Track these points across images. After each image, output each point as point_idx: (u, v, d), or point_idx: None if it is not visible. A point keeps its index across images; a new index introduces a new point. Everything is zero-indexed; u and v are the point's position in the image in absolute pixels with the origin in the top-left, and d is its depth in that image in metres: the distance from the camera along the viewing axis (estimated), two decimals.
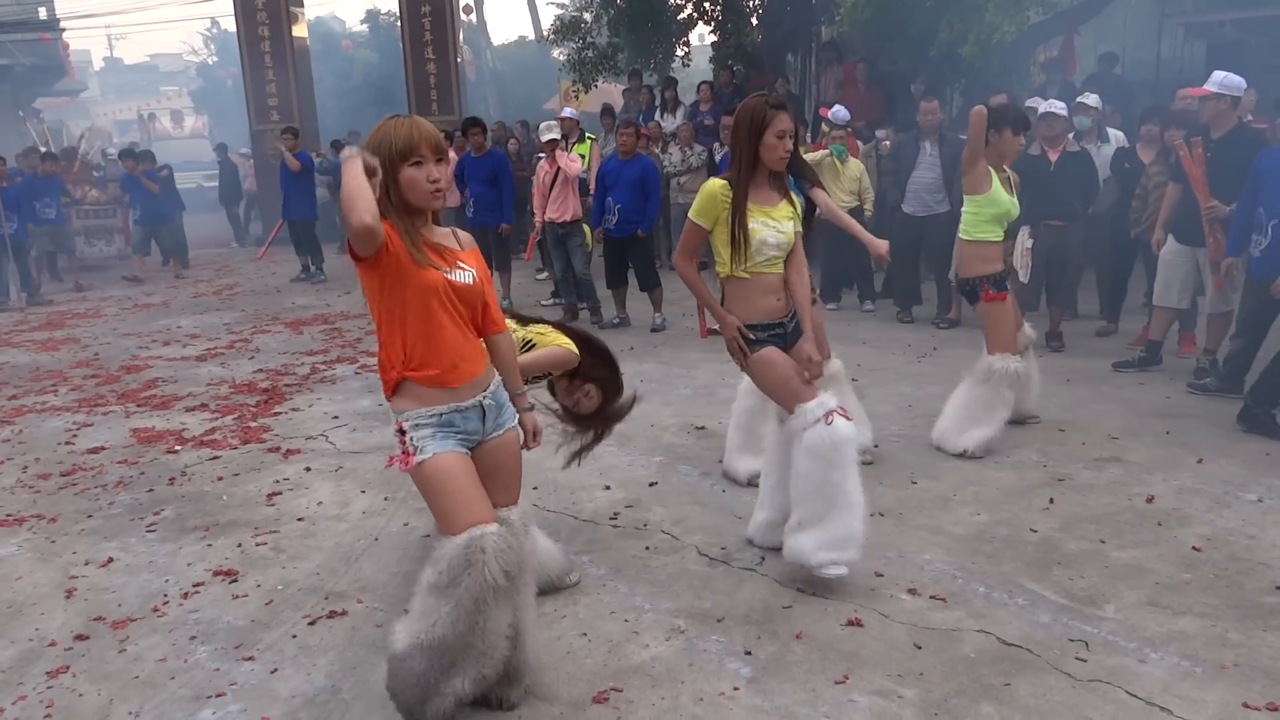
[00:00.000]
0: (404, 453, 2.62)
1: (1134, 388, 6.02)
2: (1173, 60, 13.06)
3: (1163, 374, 6.26)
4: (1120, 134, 7.94)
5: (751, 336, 3.52)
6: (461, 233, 2.78)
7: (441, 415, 2.60)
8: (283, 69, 16.95)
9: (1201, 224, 5.91)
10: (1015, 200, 5.03)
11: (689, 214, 3.58)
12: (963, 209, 5.05)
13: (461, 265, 2.62)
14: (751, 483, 4.32)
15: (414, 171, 2.49)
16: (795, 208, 3.60)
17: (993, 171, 4.91)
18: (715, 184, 3.51)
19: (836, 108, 8.52)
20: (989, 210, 4.90)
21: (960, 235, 5.06)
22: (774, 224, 3.48)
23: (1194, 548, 3.75)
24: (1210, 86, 5.78)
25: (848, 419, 3.38)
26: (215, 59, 34.12)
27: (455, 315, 2.59)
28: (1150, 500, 4.22)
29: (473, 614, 2.54)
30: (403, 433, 2.60)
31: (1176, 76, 11.70)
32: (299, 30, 17.58)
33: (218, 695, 2.96)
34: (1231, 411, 5.42)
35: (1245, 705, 2.73)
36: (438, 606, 2.56)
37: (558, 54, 17.42)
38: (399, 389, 2.61)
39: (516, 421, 2.83)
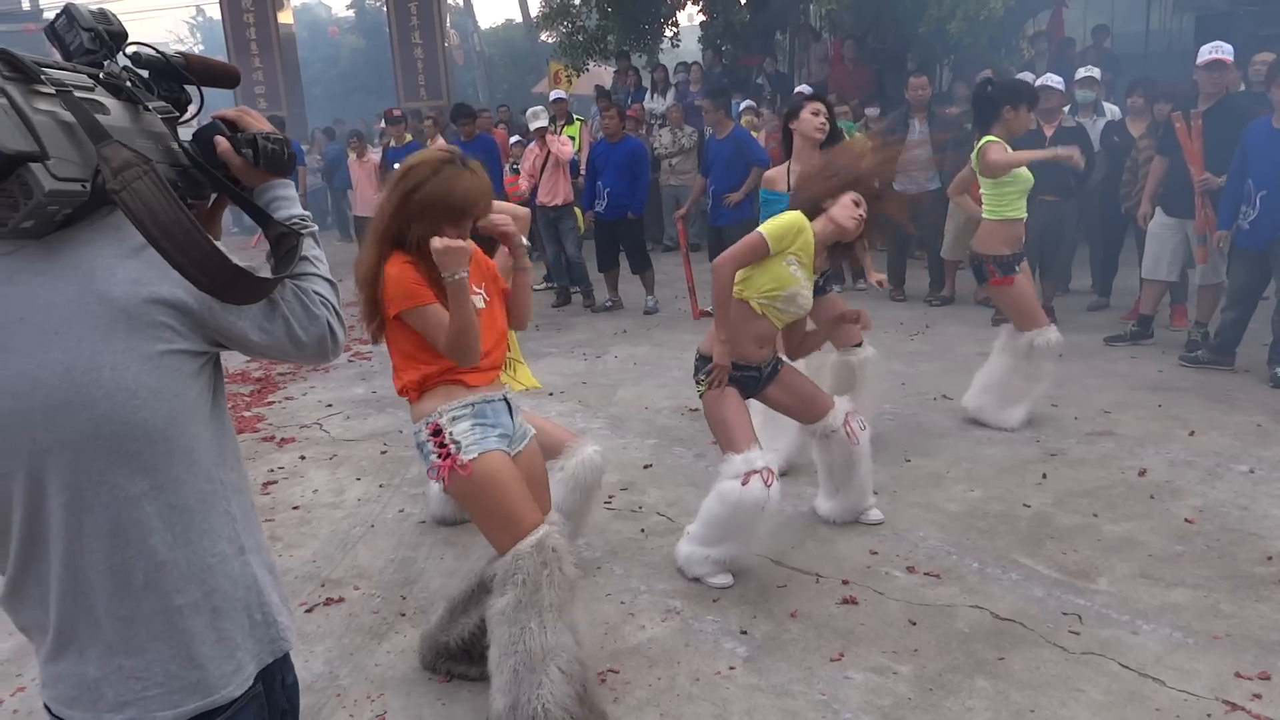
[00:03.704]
0: (443, 456, 2.46)
1: (1126, 361, 6.03)
2: (1162, 33, 13.03)
3: (1154, 347, 6.28)
4: (1116, 108, 7.92)
5: (728, 372, 3.43)
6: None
7: (474, 406, 2.52)
8: (269, 56, 16.87)
9: (1191, 197, 5.91)
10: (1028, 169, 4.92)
11: (761, 227, 3.37)
12: (982, 191, 4.96)
13: (475, 289, 2.53)
14: (783, 473, 4.32)
15: (454, 231, 2.36)
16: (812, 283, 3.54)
17: (1006, 147, 4.81)
18: (806, 223, 3.37)
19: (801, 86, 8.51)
20: (1014, 188, 4.81)
21: (985, 215, 4.95)
22: (808, 287, 3.42)
23: (1186, 520, 3.77)
24: (1222, 55, 5.72)
25: (767, 484, 3.24)
26: (202, 47, 33.91)
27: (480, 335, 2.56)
28: (1142, 473, 4.24)
29: (556, 616, 2.46)
30: (438, 433, 2.48)
31: (1165, 49, 11.69)
32: (285, 17, 17.48)
33: None
34: (1223, 383, 5.44)
35: (1237, 675, 2.75)
36: (523, 621, 2.43)
37: (546, 37, 17.30)
38: (423, 391, 2.53)
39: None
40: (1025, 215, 4.93)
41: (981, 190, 4.95)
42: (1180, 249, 6.23)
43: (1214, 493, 4.01)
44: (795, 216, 3.36)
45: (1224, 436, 4.64)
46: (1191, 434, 4.70)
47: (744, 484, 3.23)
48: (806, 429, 3.75)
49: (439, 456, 2.48)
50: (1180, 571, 3.37)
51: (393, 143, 10.04)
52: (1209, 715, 2.59)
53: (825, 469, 3.81)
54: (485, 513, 2.53)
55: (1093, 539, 3.65)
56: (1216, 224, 5.68)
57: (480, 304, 2.55)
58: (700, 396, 3.50)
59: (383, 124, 10.52)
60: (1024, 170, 4.81)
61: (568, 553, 2.54)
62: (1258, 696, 2.65)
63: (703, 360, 3.48)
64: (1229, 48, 5.74)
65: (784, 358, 3.72)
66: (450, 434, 2.47)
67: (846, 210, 3.37)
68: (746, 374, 3.50)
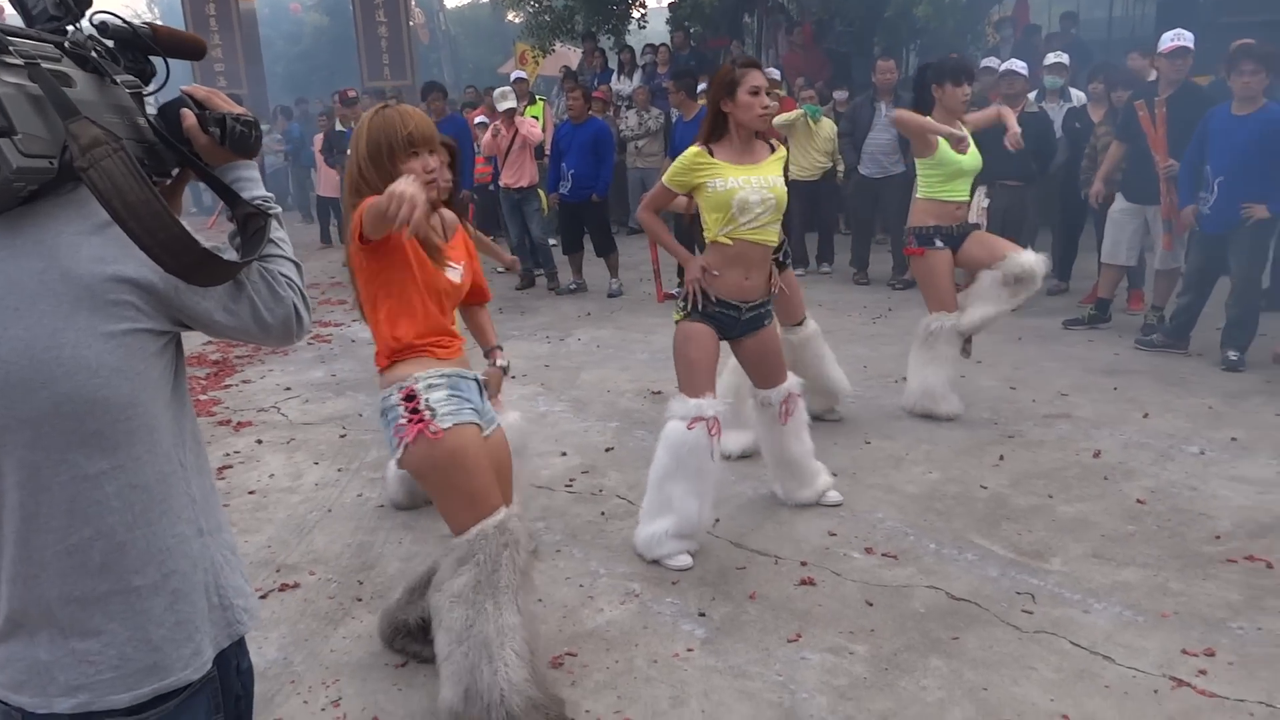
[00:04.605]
0: (414, 420, 2.39)
1: (1083, 345, 6.11)
2: (1125, 19, 13.14)
3: (1112, 331, 6.36)
4: (1082, 94, 7.97)
5: (710, 292, 3.45)
6: (446, 214, 2.70)
7: (449, 378, 2.48)
8: (229, 32, 16.57)
9: (1151, 182, 5.97)
10: (974, 153, 4.86)
11: (662, 177, 3.51)
12: (917, 171, 5.01)
13: (451, 264, 2.55)
14: (744, 456, 4.35)
15: (412, 163, 2.40)
16: (781, 156, 3.53)
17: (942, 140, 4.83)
18: (692, 150, 3.42)
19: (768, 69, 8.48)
20: (939, 171, 4.80)
21: (918, 194, 4.99)
22: (756, 180, 3.38)
23: (1138, 500, 3.82)
24: (1185, 42, 5.77)
25: (712, 434, 3.34)
26: (160, 22, 33.20)
27: (449, 309, 2.57)
28: (1097, 455, 4.30)
29: (512, 599, 2.44)
30: (411, 397, 2.41)
31: (1129, 35, 11.79)
32: None
33: None
34: (1178, 366, 5.53)
35: (1184, 652, 2.80)
36: (479, 603, 2.39)
37: (512, 16, 17.15)
38: (395, 359, 2.49)
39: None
40: (963, 200, 4.87)
41: (918, 171, 4.97)
42: (1139, 234, 6.30)
43: (1166, 474, 4.07)
44: (685, 153, 3.43)
45: (1177, 418, 4.72)
46: (1146, 416, 4.76)
47: (689, 427, 3.30)
48: (751, 391, 3.75)
49: (409, 421, 2.41)
50: (1131, 551, 3.43)
51: (338, 124, 9.91)
52: (1156, 691, 2.63)
53: (759, 442, 3.86)
54: (449, 487, 2.45)
55: (1047, 519, 3.69)
56: (1178, 205, 5.74)
57: (455, 278, 2.55)
58: (677, 324, 3.52)
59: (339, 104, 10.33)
60: (949, 154, 4.74)
61: (526, 541, 2.53)
62: (1203, 672, 2.70)
63: (683, 300, 3.51)
64: (1189, 35, 5.80)
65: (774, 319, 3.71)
66: (426, 400, 2.41)
67: (747, 107, 3.35)
68: (727, 312, 3.49)
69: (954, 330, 4.81)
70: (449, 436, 2.40)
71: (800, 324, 4.56)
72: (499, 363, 2.91)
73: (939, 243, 4.81)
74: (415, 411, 2.40)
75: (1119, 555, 3.40)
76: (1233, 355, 5.45)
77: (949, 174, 4.81)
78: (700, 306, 3.47)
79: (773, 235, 3.49)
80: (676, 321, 3.54)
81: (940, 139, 4.74)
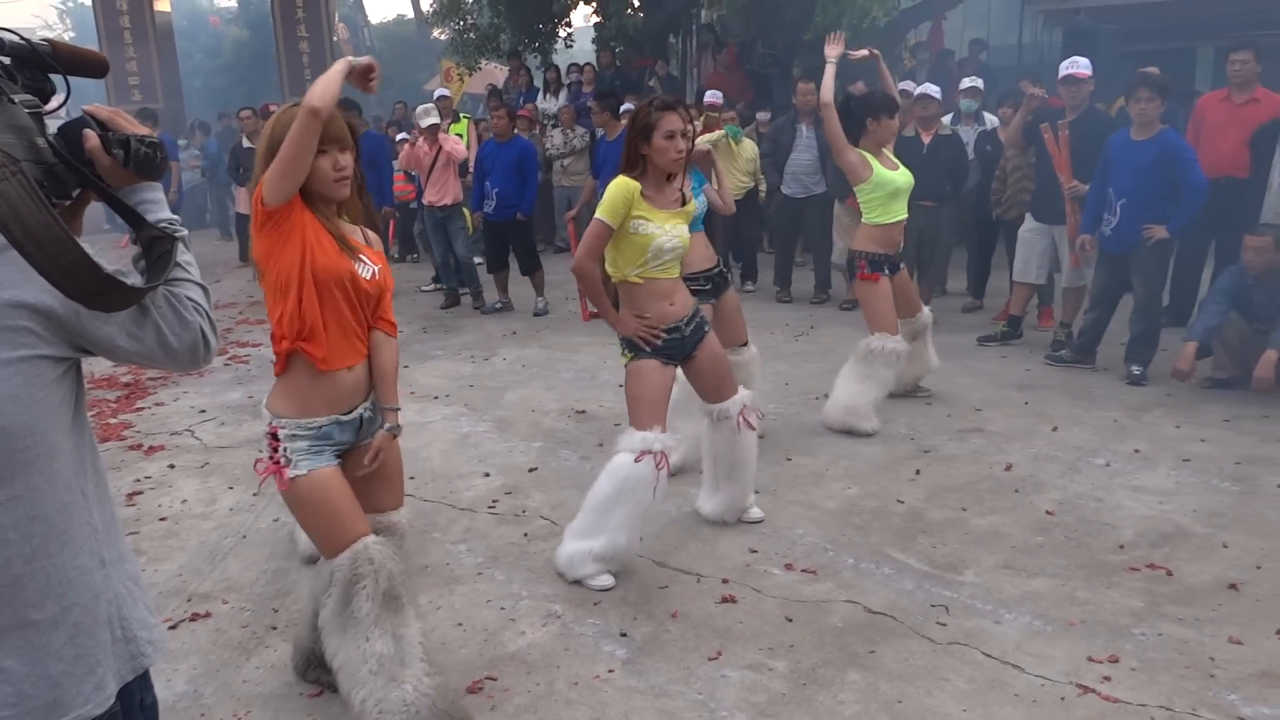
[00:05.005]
0: (274, 460, 2.50)
1: (996, 361, 6.29)
2: (1034, 46, 13.63)
3: (1023, 347, 6.56)
4: (996, 118, 8.23)
5: (658, 330, 3.45)
6: (370, 233, 2.68)
7: (321, 428, 2.51)
8: (144, 45, 16.13)
9: (1058, 203, 6.20)
10: (904, 170, 5.05)
11: (596, 212, 3.40)
12: (858, 198, 5.09)
13: (364, 259, 2.53)
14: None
15: (319, 160, 2.40)
16: (691, 210, 3.57)
17: (868, 155, 4.98)
18: (630, 183, 3.37)
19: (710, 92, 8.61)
20: (880, 193, 4.95)
21: (864, 220, 5.08)
22: (671, 228, 3.42)
23: (1047, 512, 3.95)
24: (1084, 70, 6.03)
25: (659, 468, 3.34)
26: (72, 35, 32.22)
27: (353, 307, 2.52)
28: (1009, 468, 4.42)
29: (373, 627, 2.44)
30: (275, 438, 2.49)
31: (1037, 62, 12.22)
32: (161, 5, 16.75)
33: None
34: (1085, 381, 5.73)
35: (1090, 659, 2.89)
36: (341, 631, 2.46)
37: (438, 33, 17.04)
38: (287, 372, 2.50)
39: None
40: (902, 218, 5.07)
41: (858, 197, 5.10)
42: (1048, 253, 6.53)
43: (1073, 485, 4.21)
44: (617, 184, 3.39)
45: (1084, 431, 4.88)
46: (1055, 429, 4.92)
47: (637, 460, 3.29)
48: (704, 408, 3.76)
49: (270, 456, 2.50)
50: (1041, 561, 3.53)
51: (245, 141, 9.74)
52: (1063, 699, 2.71)
53: (710, 458, 3.86)
54: (307, 525, 2.57)
55: (961, 532, 3.79)
56: (1077, 229, 5.98)
57: (366, 274, 2.51)
58: (625, 367, 3.51)
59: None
60: (885, 174, 4.93)
61: (390, 563, 2.49)
62: (1107, 679, 2.79)
63: (625, 341, 3.51)
64: (1085, 62, 6.06)
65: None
66: (284, 448, 2.48)
67: (662, 151, 3.36)
68: (671, 336, 3.49)
69: (894, 353, 4.93)
70: (299, 484, 2.47)
71: (744, 345, 4.64)
72: (387, 425, 2.65)
73: (886, 270, 5.02)
74: (276, 452, 2.49)
75: (1029, 566, 3.50)
76: (1136, 370, 5.67)
77: (889, 194, 4.97)
78: (656, 344, 3.46)
79: (676, 271, 3.54)
80: (625, 364, 3.52)
81: (874, 163, 4.90)
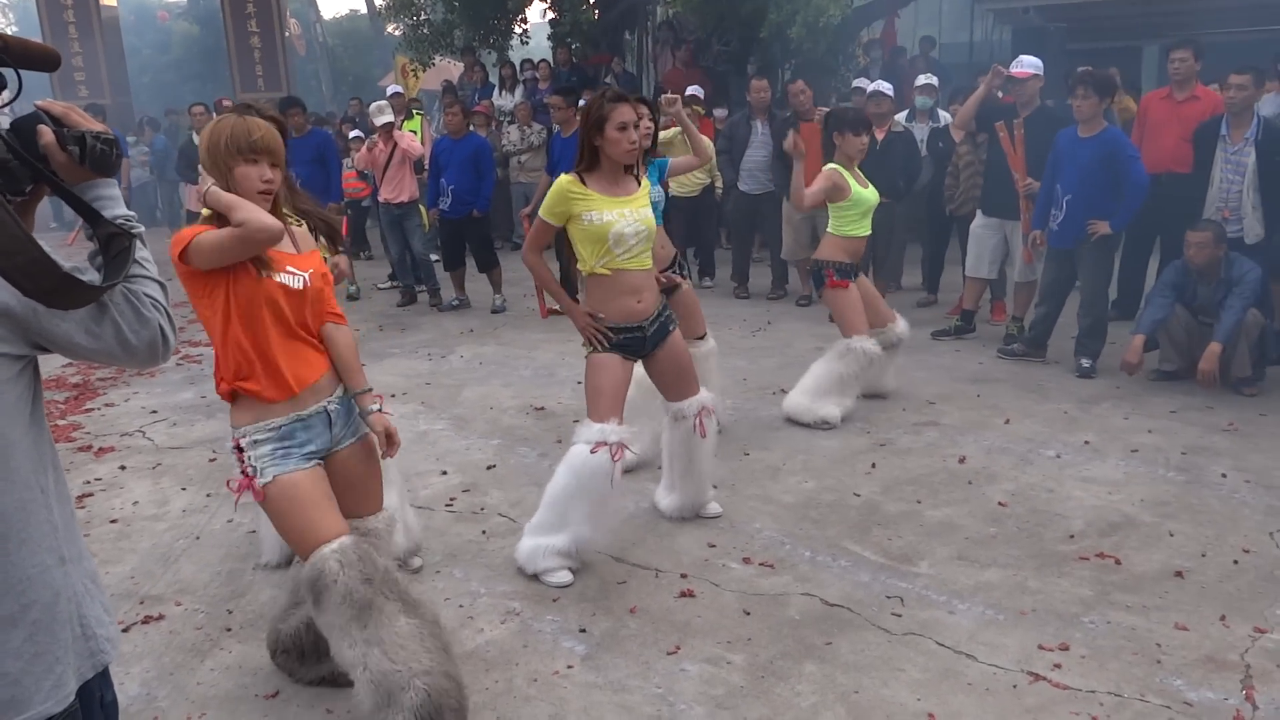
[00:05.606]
0: (243, 474, 2.49)
1: (950, 354, 6.38)
2: (984, 44, 13.82)
3: (977, 341, 6.66)
4: (948, 115, 8.32)
5: (607, 330, 3.47)
6: (301, 233, 2.65)
7: (281, 428, 2.48)
8: (90, 39, 15.79)
9: (1009, 198, 6.30)
10: (872, 188, 5.24)
11: (539, 211, 3.48)
12: (829, 210, 5.18)
13: (290, 270, 2.48)
14: (626, 470, 4.33)
15: (247, 169, 2.40)
16: (645, 189, 3.57)
17: (843, 170, 5.07)
18: (564, 179, 3.42)
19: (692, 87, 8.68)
20: (855, 210, 5.10)
21: (829, 230, 5.19)
22: (629, 213, 3.42)
23: (1000, 503, 4.01)
24: (1030, 69, 6.14)
25: (615, 459, 3.36)
26: (15, 29, 31.43)
27: (284, 323, 2.47)
28: (962, 460, 4.49)
29: (353, 629, 2.41)
30: (240, 450, 2.48)
31: (988, 59, 12.39)
32: None
33: None
34: (1036, 374, 5.83)
35: (1041, 647, 2.95)
36: (330, 634, 2.46)
37: (392, 29, 16.88)
38: (235, 400, 2.51)
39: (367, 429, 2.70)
40: (868, 234, 5.21)
41: (829, 209, 5.18)
42: (999, 248, 6.63)
43: (1025, 477, 4.29)
44: (558, 183, 3.44)
45: (1035, 424, 4.97)
46: (1007, 422, 5.01)
47: (592, 452, 3.30)
48: (665, 405, 3.78)
49: (240, 472, 2.51)
50: (993, 552, 3.59)
51: (194, 137, 9.63)
52: (1015, 686, 2.76)
53: (669, 455, 3.88)
54: (282, 530, 2.57)
55: (916, 524, 3.84)
56: (1030, 225, 6.08)
57: (296, 284, 2.48)
58: (586, 359, 3.53)
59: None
60: (862, 192, 5.10)
61: (356, 566, 2.43)
62: (1058, 666, 2.84)
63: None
64: (1030, 61, 6.17)
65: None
66: (249, 457, 2.47)
67: (614, 143, 3.37)
68: (630, 336, 3.50)
69: (869, 354, 5.02)
70: (268, 490, 2.47)
71: (702, 338, 4.68)
72: (371, 407, 2.67)
73: (854, 277, 5.15)
74: (243, 463, 2.49)
75: (982, 557, 3.56)
76: (1085, 363, 5.78)
77: (863, 211, 5.13)
78: (604, 346, 3.48)
79: (648, 261, 3.54)
80: (585, 357, 3.55)
81: (852, 182, 5.05)
